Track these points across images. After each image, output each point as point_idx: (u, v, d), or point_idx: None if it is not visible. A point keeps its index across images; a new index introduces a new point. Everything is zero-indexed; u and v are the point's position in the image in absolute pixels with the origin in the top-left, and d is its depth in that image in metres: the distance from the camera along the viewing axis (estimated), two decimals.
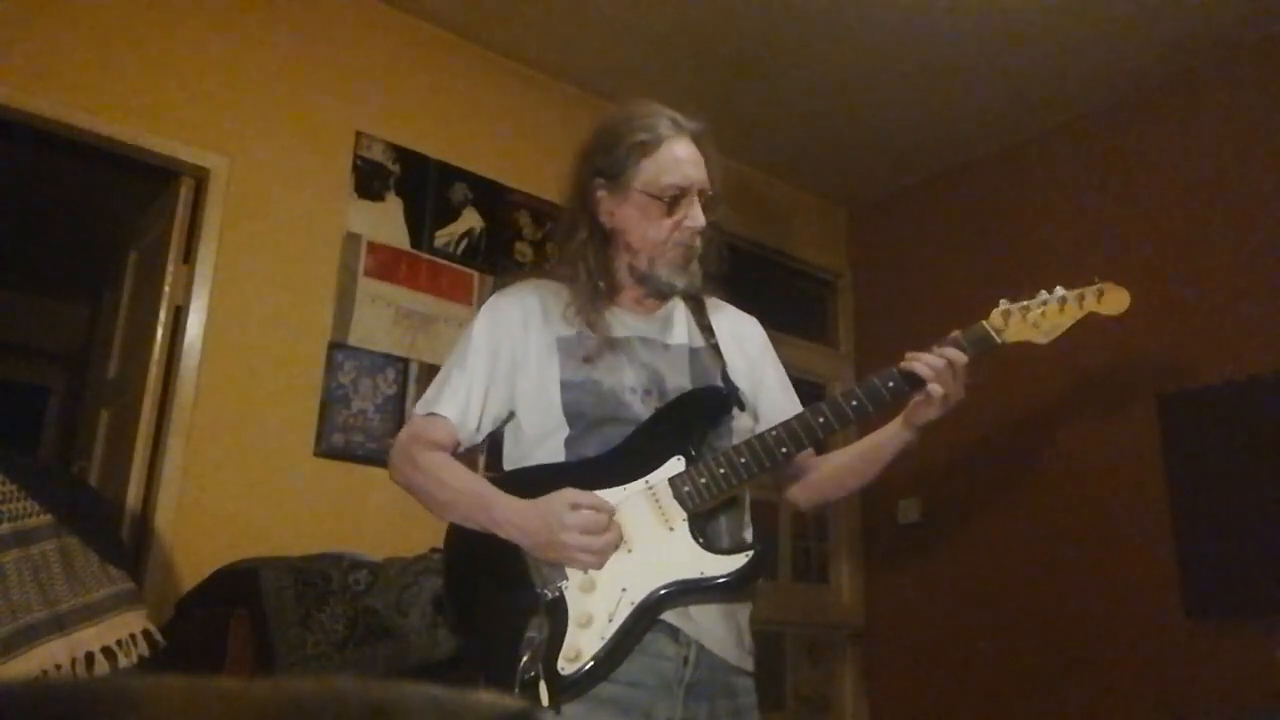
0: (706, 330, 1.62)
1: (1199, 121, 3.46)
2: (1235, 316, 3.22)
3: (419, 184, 3.31)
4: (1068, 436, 3.61)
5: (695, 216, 1.53)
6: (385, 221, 3.20)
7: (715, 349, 1.59)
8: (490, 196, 3.47)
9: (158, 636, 1.95)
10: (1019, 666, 3.55)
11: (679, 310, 1.63)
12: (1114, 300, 1.53)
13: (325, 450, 2.92)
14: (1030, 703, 3.49)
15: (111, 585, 1.92)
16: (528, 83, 3.68)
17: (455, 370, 1.55)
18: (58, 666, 1.75)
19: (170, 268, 2.88)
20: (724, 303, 1.72)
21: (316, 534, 2.75)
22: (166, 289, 2.87)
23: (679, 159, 1.54)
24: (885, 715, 4.05)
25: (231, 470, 2.77)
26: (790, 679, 4.01)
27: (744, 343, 1.68)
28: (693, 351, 1.58)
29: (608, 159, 1.56)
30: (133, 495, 2.70)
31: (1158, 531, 3.24)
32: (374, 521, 2.91)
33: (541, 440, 1.51)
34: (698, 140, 1.58)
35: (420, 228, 3.27)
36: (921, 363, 1.47)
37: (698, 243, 1.56)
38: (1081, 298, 1.53)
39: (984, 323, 1.54)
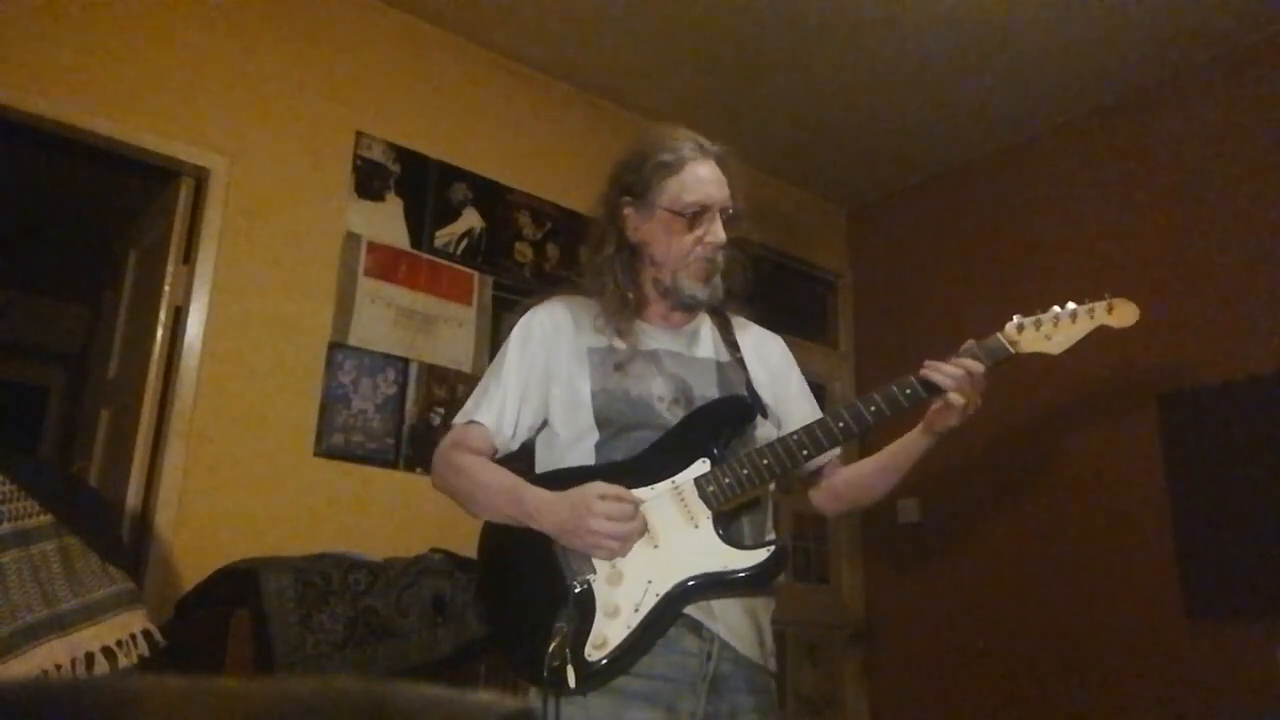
0: (732, 346, 1.69)
1: (1198, 122, 3.46)
2: (1235, 316, 3.22)
3: (419, 184, 3.31)
4: (1068, 437, 3.61)
5: (716, 233, 1.61)
6: (385, 221, 3.20)
7: (740, 362, 1.67)
8: (490, 196, 3.47)
9: (158, 636, 1.94)
10: (1019, 666, 3.55)
11: (705, 326, 1.71)
12: (1123, 313, 1.58)
13: (325, 450, 2.92)
14: (1030, 703, 3.49)
15: (111, 585, 1.92)
16: (528, 83, 3.68)
17: (491, 382, 1.63)
18: (58, 666, 1.75)
19: (170, 268, 2.89)
20: (749, 321, 1.80)
21: (316, 534, 2.76)
22: (166, 289, 2.87)
23: (701, 178, 1.61)
24: (886, 715, 4.06)
25: (231, 470, 2.77)
26: (791, 679, 4.01)
27: (767, 357, 1.75)
28: (719, 365, 1.65)
29: (634, 178, 1.64)
30: (133, 495, 2.70)
31: (1158, 532, 3.24)
32: (374, 521, 2.91)
33: (573, 444, 1.58)
34: (721, 162, 1.65)
35: (420, 228, 3.27)
36: (941, 373, 1.52)
37: (719, 258, 1.63)
38: (1091, 311, 1.59)
39: (999, 334, 1.59)
